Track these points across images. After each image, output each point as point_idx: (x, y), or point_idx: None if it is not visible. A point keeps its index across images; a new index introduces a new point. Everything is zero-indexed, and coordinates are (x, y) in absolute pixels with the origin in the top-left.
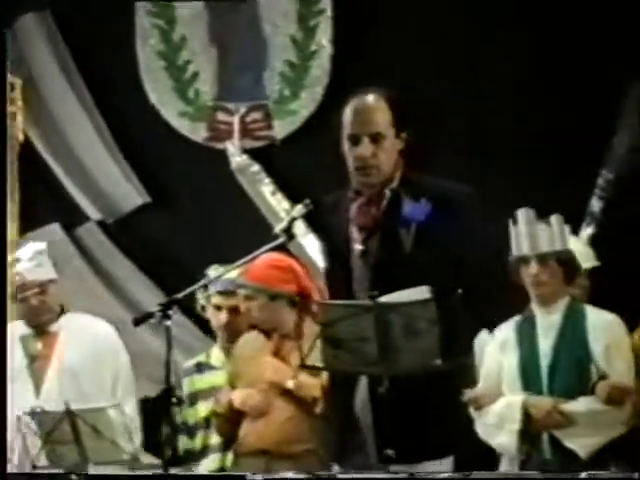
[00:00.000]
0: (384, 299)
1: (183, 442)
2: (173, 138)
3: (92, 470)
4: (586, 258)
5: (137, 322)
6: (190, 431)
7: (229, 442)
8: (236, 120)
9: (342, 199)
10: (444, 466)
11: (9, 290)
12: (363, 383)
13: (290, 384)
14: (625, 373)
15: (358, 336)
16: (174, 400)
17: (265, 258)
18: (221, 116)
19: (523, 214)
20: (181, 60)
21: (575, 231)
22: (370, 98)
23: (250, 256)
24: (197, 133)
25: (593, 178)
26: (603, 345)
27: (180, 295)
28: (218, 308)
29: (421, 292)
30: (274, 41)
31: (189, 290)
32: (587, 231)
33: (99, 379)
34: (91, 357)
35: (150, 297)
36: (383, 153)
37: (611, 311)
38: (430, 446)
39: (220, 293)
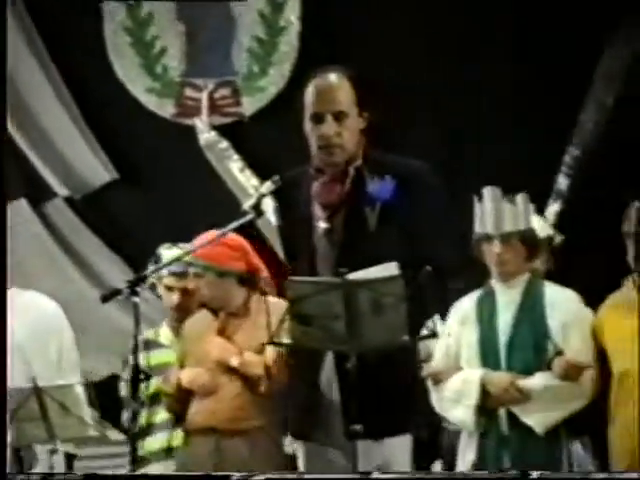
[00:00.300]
0: (352, 276)
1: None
2: (141, 114)
3: (60, 446)
4: (541, 229)
5: (105, 299)
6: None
7: (177, 420)
8: (204, 96)
9: (303, 176)
10: (406, 441)
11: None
12: (329, 360)
13: (234, 362)
14: (581, 349)
15: (326, 313)
16: (141, 377)
17: (211, 235)
18: (189, 92)
19: (489, 192)
20: (149, 36)
21: (542, 208)
22: (332, 77)
23: (219, 233)
24: (165, 109)
25: (560, 155)
26: (560, 321)
27: (148, 272)
28: (169, 289)
29: (389, 269)
30: (242, 17)
31: (157, 267)
32: (554, 208)
33: (45, 356)
34: (37, 334)
35: (118, 274)
36: (347, 132)
37: (575, 288)
38: (394, 422)
39: (173, 274)
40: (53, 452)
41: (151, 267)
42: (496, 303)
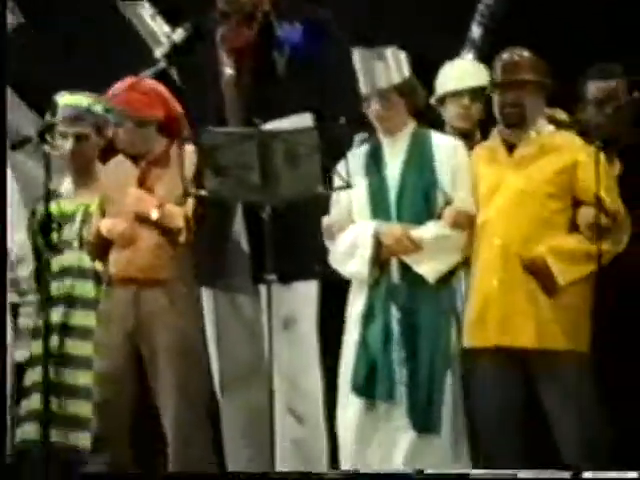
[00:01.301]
0: (267, 126)
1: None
2: None
3: None
4: (481, 79)
5: (14, 147)
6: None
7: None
8: None
9: (205, 23)
10: (313, 288)
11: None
12: (239, 210)
13: (154, 215)
14: (469, 198)
15: (241, 163)
16: (54, 226)
17: (128, 82)
18: None
19: (358, 54)
20: None
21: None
22: None
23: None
24: None
25: (475, 3)
26: (448, 171)
27: (57, 119)
28: (64, 136)
29: (303, 120)
30: None
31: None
32: (467, 57)
33: None
34: None
35: (28, 123)
36: None
37: None
38: (303, 266)
39: (66, 120)
40: None
41: (48, 117)
42: (383, 155)
